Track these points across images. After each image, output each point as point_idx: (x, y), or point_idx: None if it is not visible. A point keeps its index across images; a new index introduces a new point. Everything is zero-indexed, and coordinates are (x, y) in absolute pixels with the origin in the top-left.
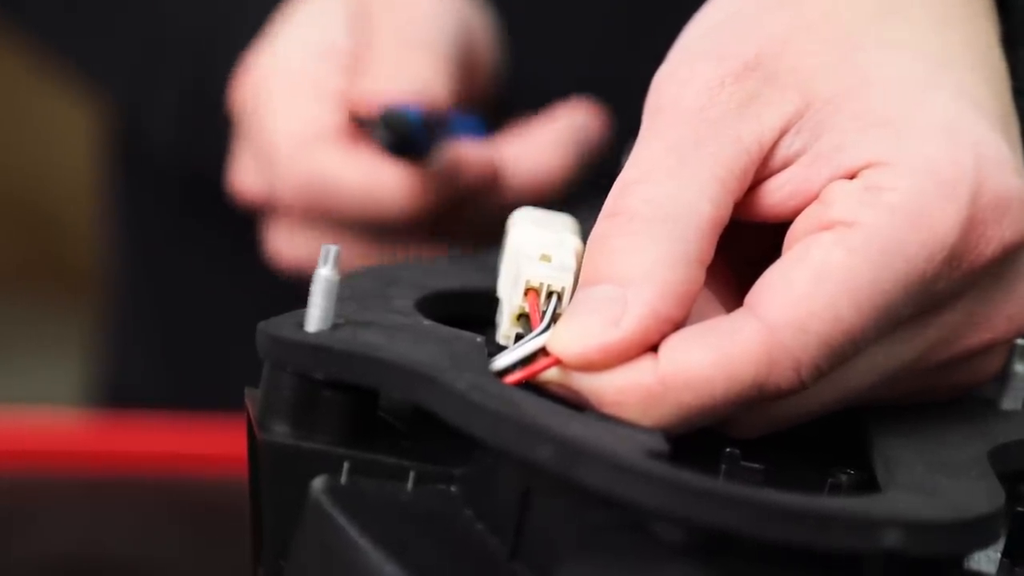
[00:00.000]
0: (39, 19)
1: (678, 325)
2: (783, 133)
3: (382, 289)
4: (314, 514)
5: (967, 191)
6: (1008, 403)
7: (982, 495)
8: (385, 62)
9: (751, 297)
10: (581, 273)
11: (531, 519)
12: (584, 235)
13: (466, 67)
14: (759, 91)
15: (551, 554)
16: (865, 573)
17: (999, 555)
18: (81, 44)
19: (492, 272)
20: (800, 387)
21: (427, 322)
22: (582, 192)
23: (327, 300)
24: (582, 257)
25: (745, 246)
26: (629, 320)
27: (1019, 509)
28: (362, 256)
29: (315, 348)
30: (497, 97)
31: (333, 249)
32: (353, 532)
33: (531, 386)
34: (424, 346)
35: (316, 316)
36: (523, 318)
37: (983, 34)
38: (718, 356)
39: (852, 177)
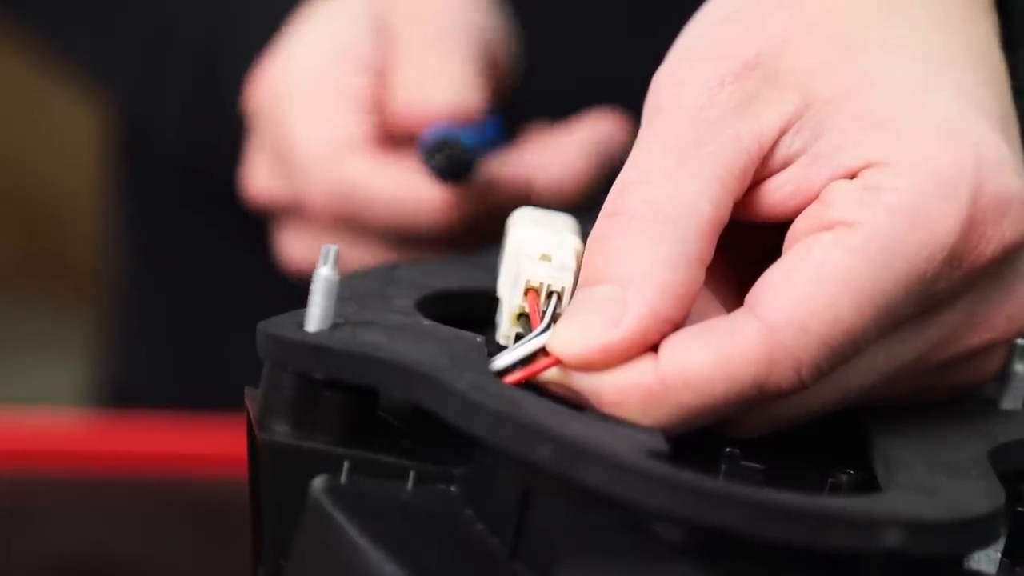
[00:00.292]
0: (41, 17)
1: (678, 325)
2: (783, 133)
3: (382, 289)
4: (314, 514)
5: (967, 191)
6: (1008, 403)
7: (982, 495)
8: (414, 68)
9: (751, 297)
10: (581, 273)
11: (531, 519)
12: (584, 235)
13: (489, 70)
14: (759, 91)
15: (551, 554)
16: (865, 573)
17: (999, 555)
18: (84, 44)
19: (492, 272)
20: (800, 387)
21: (427, 322)
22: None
23: (327, 300)
24: (582, 257)
25: (745, 246)
26: (629, 320)
27: (1019, 509)
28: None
29: (315, 348)
30: (511, 98)
31: (333, 249)
32: (353, 532)
33: (531, 386)
34: (424, 346)
35: (316, 316)
36: (523, 318)
37: (983, 35)
38: (718, 356)
39: (852, 177)
